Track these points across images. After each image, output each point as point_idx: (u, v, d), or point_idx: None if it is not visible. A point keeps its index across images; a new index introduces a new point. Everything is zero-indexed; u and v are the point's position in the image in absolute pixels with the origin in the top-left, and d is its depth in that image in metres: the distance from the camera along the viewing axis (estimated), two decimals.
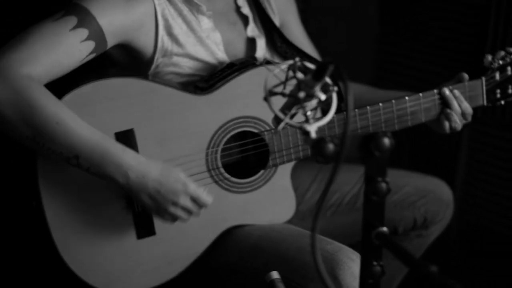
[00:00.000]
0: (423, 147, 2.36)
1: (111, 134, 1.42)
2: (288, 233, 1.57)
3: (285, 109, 1.06)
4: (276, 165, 1.59)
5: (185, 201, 1.42)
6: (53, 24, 1.35)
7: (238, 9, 1.64)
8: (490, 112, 2.10)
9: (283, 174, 1.62)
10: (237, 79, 1.51)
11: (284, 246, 1.50)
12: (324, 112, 1.00)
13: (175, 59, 1.51)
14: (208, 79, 1.53)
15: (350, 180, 1.84)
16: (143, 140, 1.45)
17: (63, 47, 1.34)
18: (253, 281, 1.50)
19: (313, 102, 1.00)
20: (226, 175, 1.55)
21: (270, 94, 0.99)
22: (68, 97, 1.36)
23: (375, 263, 1.04)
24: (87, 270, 1.46)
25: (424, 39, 2.27)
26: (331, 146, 0.93)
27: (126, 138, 1.43)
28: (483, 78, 1.64)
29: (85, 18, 1.36)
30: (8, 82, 1.27)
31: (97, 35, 1.38)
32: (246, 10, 1.65)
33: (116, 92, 1.41)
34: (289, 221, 1.67)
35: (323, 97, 0.99)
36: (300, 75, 1.00)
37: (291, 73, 1.03)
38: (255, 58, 1.60)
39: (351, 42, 2.40)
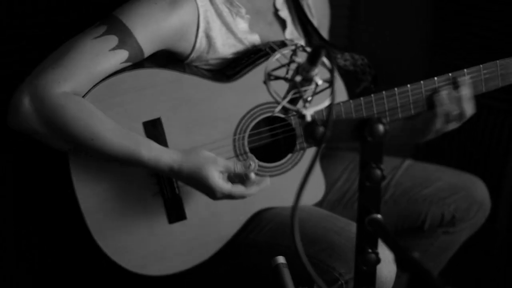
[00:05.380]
0: (473, 147, 2.29)
1: (139, 124, 1.45)
2: (316, 214, 1.59)
3: (287, 93, 1.08)
4: (303, 149, 1.61)
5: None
6: (93, 42, 1.35)
7: (276, 11, 1.64)
8: None
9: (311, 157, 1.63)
10: (262, 66, 1.51)
11: (310, 226, 1.52)
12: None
13: (208, 60, 1.54)
14: (235, 65, 1.55)
15: None
16: (170, 128, 1.48)
17: (101, 66, 1.36)
18: None
19: (312, 87, 1.02)
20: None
21: (269, 77, 1.01)
22: (97, 88, 1.39)
23: (369, 250, 1.04)
24: (122, 254, 1.51)
25: (478, 41, 2.20)
26: (321, 129, 0.95)
27: (154, 127, 1.46)
28: None
29: (126, 40, 1.37)
30: (45, 102, 1.31)
31: (136, 53, 1.39)
32: (284, 13, 1.64)
33: (143, 82, 1.44)
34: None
35: (320, 81, 1.00)
36: (299, 59, 1.02)
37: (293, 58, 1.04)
38: (283, 43, 1.58)
39: (404, 44, 2.36)
